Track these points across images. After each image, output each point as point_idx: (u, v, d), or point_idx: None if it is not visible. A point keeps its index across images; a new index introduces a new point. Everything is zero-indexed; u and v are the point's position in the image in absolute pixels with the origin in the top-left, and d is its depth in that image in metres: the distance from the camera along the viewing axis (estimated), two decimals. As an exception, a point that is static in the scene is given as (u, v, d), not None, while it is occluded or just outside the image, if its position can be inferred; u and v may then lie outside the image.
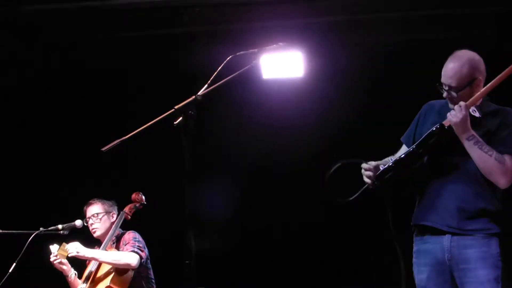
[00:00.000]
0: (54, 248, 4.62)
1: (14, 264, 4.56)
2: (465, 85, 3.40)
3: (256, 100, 6.28)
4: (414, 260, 3.54)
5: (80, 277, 4.77)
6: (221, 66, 2.99)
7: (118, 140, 2.70)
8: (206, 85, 2.89)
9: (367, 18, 5.94)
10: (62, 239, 4.70)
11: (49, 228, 4.72)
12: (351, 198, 3.63)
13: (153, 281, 4.81)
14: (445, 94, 3.45)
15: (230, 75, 2.97)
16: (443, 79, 3.44)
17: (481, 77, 3.47)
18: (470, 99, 3.36)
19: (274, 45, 3.24)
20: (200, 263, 2.78)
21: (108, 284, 4.51)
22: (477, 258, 3.33)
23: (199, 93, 2.83)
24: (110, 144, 2.69)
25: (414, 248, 3.55)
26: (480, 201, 3.36)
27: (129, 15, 5.87)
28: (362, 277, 6.09)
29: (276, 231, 6.43)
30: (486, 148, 3.30)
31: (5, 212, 5.87)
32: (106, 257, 4.59)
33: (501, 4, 5.70)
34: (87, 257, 4.61)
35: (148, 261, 4.78)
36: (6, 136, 6.49)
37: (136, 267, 4.57)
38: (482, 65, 3.50)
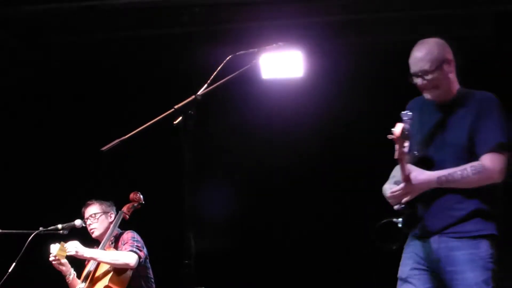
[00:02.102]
0: (54, 248, 4.62)
1: (14, 264, 4.57)
2: (439, 65, 3.32)
3: (256, 100, 6.28)
4: (403, 254, 3.48)
5: (79, 277, 4.77)
6: (221, 66, 2.99)
7: (118, 140, 2.70)
8: (205, 85, 2.89)
9: (367, 18, 5.94)
10: (62, 239, 4.70)
11: (49, 228, 4.73)
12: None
13: (152, 280, 4.82)
14: (419, 81, 3.35)
15: (230, 75, 2.97)
16: (413, 69, 3.35)
17: (451, 58, 3.41)
18: (405, 174, 3.23)
19: (274, 45, 3.23)
20: (200, 263, 2.78)
21: (107, 283, 4.52)
22: (464, 260, 3.24)
23: (199, 93, 2.83)
24: (110, 144, 2.69)
25: (405, 244, 3.49)
26: (471, 202, 3.27)
27: (129, 15, 5.87)
28: (362, 277, 6.08)
29: (276, 231, 6.43)
30: (458, 174, 3.21)
31: (5, 212, 5.87)
32: (105, 256, 4.59)
33: (501, 4, 5.70)
34: (86, 257, 4.62)
35: (147, 260, 4.79)
36: (6, 136, 6.49)
37: (135, 266, 4.58)
38: (449, 47, 3.45)
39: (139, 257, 4.60)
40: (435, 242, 3.31)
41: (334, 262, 6.21)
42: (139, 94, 6.55)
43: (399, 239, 3.48)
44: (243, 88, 5.58)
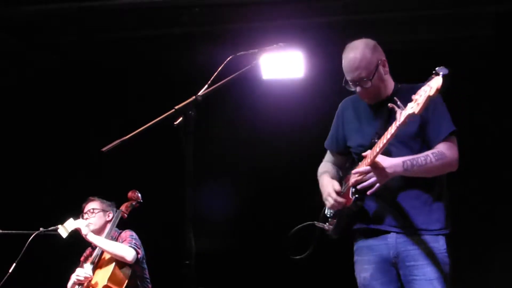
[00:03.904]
0: (84, 269, 4.70)
1: (14, 264, 4.57)
2: (375, 70, 3.24)
3: (256, 101, 6.27)
4: (355, 258, 3.45)
5: (78, 261, 4.92)
6: (222, 66, 2.98)
7: (118, 140, 2.69)
8: (206, 86, 2.88)
9: (367, 18, 5.93)
10: (61, 239, 4.71)
11: (49, 228, 4.73)
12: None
13: (148, 280, 4.85)
14: (358, 89, 3.28)
15: (230, 76, 2.97)
16: (349, 76, 3.28)
17: (384, 58, 3.32)
18: (371, 158, 3.11)
19: (274, 45, 3.22)
20: (200, 263, 2.78)
21: (106, 283, 4.54)
22: (425, 254, 3.21)
23: (199, 94, 2.82)
24: (111, 144, 2.68)
25: (355, 246, 3.46)
26: (426, 199, 3.26)
27: (129, 15, 5.87)
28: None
29: (276, 232, 6.43)
30: (422, 159, 3.15)
31: (5, 212, 5.87)
32: (105, 244, 4.67)
33: (501, 4, 5.70)
34: (88, 238, 4.69)
35: (144, 261, 4.82)
36: (6, 136, 6.50)
37: (132, 262, 4.61)
38: (379, 46, 3.35)
39: (137, 253, 4.64)
40: (393, 238, 3.28)
41: (335, 262, 6.20)
42: (139, 94, 6.55)
43: (311, 244, 3.60)
44: (243, 89, 5.58)
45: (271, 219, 6.41)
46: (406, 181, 3.23)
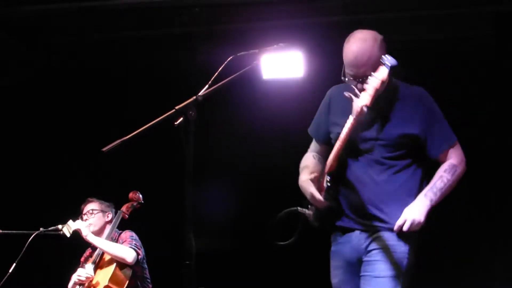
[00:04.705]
0: (85, 269, 4.70)
1: (14, 264, 4.57)
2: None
3: (257, 101, 6.27)
4: (330, 262, 3.42)
5: (78, 261, 4.93)
6: (222, 66, 2.98)
7: (119, 141, 2.69)
8: (206, 86, 2.88)
9: (367, 18, 5.93)
10: (61, 239, 4.72)
11: (49, 228, 4.74)
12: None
13: (149, 280, 4.86)
14: (360, 86, 3.05)
15: (230, 76, 2.97)
16: (353, 70, 3.07)
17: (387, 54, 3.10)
18: (335, 151, 3.13)
19: (275, 46, 3.22)
20: (200, 263, 2.78)
21: (107, 283, 4.55)
22: (382, 252, 3.13)
23: (199, 94, 2.82)
24: (111, 144, 2.68)
25: (331, 251, 3.43)
26: (398, 197, 3.16)
27: (129, 15, 5.87)
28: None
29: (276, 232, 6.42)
30: (439, 183, 3.12)
31: (5, 212, 5.87)
32: (105, 245, 4.68)
33: (501, 4, 5.70)
34: (88, 239, 4.70)
35: (144, 261, 4.83)
36: (6, 136, 6.50)
37: (132, 263, 4.62)
38: (383, 41, 3.14)
39: (138, 254, 4.64)
40: (356, 237, 3.22)
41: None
42: (139, 94, 6.55)
43: (295, 233, 3.61)
44: (243, 89, 5.57)
45: (271, 219, 6.40)
46: (386, 183, 3.18)
